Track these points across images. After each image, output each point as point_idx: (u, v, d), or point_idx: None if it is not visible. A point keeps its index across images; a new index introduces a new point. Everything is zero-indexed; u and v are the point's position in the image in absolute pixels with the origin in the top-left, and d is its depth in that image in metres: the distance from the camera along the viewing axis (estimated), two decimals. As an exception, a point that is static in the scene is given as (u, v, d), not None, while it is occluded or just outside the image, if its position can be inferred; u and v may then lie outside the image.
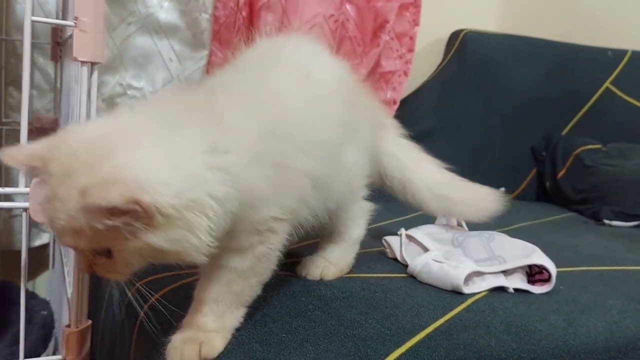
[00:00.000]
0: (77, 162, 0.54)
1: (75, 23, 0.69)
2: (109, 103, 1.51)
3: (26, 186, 0.66)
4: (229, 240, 0.62)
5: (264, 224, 0.65)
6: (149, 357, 0.68)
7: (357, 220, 0.90)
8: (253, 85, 0.70)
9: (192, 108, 0.62)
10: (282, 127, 0.67)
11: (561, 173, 1.84)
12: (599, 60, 2.06)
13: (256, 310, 0.69)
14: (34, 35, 1.38)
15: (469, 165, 1.82)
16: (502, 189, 1.86)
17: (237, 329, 0.66)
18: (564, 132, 1.98)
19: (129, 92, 1.53)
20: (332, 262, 0.87)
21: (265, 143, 0.63)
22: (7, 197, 1.16)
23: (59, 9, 1.36)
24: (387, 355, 0.65)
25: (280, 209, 0.65)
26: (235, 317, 0.66)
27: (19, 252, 1.38)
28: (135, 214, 0.51)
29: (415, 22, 1.79)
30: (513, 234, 1.28)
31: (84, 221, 0.52)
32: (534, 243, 0.94)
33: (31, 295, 1.24)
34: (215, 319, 0.64)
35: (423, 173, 0.98)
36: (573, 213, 1.70)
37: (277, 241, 0.67)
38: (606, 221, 1.56)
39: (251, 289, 0.67)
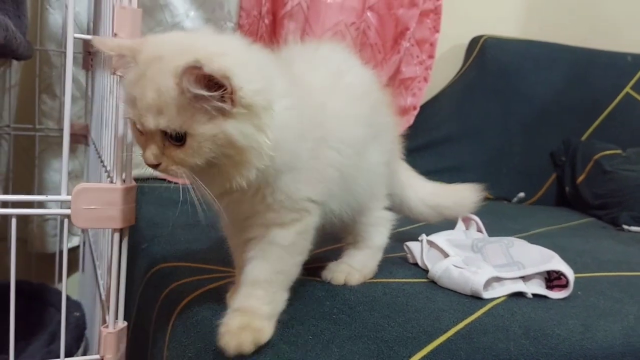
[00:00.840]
0: (172, 50, 0.61)
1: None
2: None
3: (68, 194, 0.70)
4: (273, 215, 0.69)
5: (300, 203, 0.70)
6: (182, 356, 0.71)
7: (379, 228, 0.93)
8: (296, 77, 0.74)
9: (276, 56, 0.73)
10: (319, 118, 0.72)
11: (581, 178, 1.85)
12: (618, 65, 2.06)
13: (283, 313, 0.72)
14: (66, 45, 1.43)
15: (489, 170, 1.85)
16: (522, 194, 1.90)
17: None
18: (583, 138, 1.99)
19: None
20: (355, 268, 0.90)
21: (308, 124, 0.69)
22: (40, 205, 1.21)
23: (90, 20, 1.41)
24: (409, 357, 0.68)
25: (314, 190, 0.71)
26: (283, 300, 0.71)
27: (52, 255, 1.45)
28: (223, 93, 0.58)
29: (436, 29, 1.81)
30: (531, 239, 1.31)
31: (172, 93, 0.58)
32: (551, 248, 0.97)
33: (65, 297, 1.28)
34: (268, 303, 0.68)
35: (415, 188, 1.06)
36: (592, 218, 1.71)
37: (312, 221, 0.72)
38: (625, 226, 1.57)
39: (296, 267, 0.72)
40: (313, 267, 0.90)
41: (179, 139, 0.61)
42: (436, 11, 1.80)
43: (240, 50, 0.65)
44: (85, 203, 0.68)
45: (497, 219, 1.53)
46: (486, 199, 1.80)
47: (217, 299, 0.76)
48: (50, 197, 0.73)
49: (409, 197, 1.04)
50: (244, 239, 0.73)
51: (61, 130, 1.44)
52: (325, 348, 0.67)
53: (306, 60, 0.82)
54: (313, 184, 0.71)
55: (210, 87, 0.58)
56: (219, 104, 0.59)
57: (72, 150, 1.48)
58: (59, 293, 1.29)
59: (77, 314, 1.18)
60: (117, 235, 0.72)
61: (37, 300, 1.27)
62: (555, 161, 1.96)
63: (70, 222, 0.69)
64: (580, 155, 1.89)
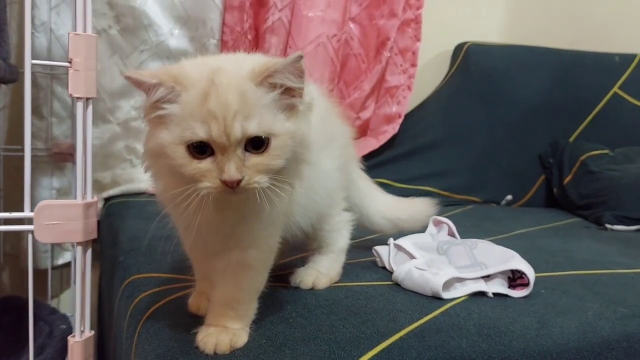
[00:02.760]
0: (217, 64, 0.65)
1: (69, 64, 0.77)
2: (124, 127, 1.60)
3: (30, 211, 0.74)
4: (259, 226, 0.71)
5: (278, 217, 0.73)
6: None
7: (341, 232, 0.96)
8: None
9: None
10: None
11: (567, 179, 1.86)
12: (605, 65, 2.08)
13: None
14: (52, 67, 1.49)
15: (476, 174, 1.88)
16: (509, 196, 1.92)
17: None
18: (572, 139, 2.00)
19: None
20: (322, 272, 0.93)
21: None
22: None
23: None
24: (360, 357, 0.71)
25: (284, 203, 0.72)
26: (253, 311, 0.75)
27: (42, 271, 1.50)
28: (292, 91, 0.63)
29: (417, 38, 1.85)
30: (511, 240, 1.34)
31: (257, 93, 0.61)
32: (528, 249, 0.99)
33: (52, 311, 1.33)
34: (240, 320, 0.72)
35: (375, 200, 1.08)
36: (578, 218, 1.73)
37: (280, 235, 0.76)
38: (608, 225, 1.59)
39: (264, 281, 0.75)
40: (280, 274, 0.94)
41: (259, 144, 0.62)
42: (416, 20, 1.84)
43: None
44: (47, 219, 0.71)
45: (480, 221, 1.56)
46: (474, 202, 1.85)
47: (180, 306, 0.80)
48: (13, 215, 0.77)
49: (368, 207, 1.06)
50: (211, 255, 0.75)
51: (49, 150, 1.49)
52: (278, 351, 0.70)
53: None
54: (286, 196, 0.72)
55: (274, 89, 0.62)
56: (292, 99, 0.64)
57: (60, 168, 1.52)
58: (49, 308, 1.34)
59: (64, 326, 1.21)
60: (79, 249, 0.76)
61: (25, 315, 1.31)
62: (543, 163, 1.98)
63: (34, 237, 0.72)
64: (568, 156, 1.90)
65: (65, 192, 1.51)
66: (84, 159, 0.76)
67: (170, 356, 0.70)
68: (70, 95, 0.77)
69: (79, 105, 0.82)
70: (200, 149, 0.61)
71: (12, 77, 1.27)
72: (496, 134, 1.93)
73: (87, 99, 0.83)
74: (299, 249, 0.99)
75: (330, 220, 0.94)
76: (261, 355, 0.69)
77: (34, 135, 1.49)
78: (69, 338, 0.78)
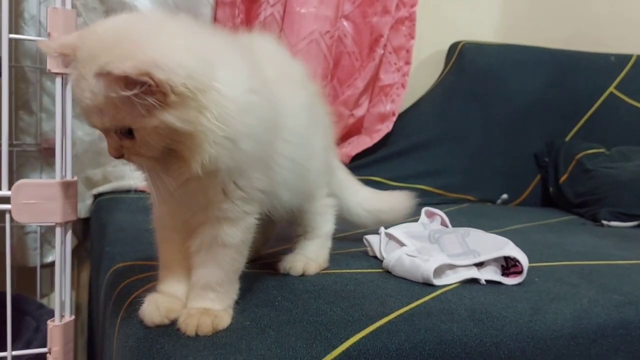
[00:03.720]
0: (101, 46, 0.59)
1: (48, 38, 0.76)
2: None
3: (9, 189, 0.72)
4: (228, 206, 0.69)
5: (255, 194, 0.70)
6: (124, 349, 0.72)
7: (326, 216, 0.95)
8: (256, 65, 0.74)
9: (225, 37, 0.72)
10: (278, 108, 0.73)
11: (563, 178, 1.85)
12: (601, 65, 2.07)
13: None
14: (41, 61, 1.47)
15: (471, 173, 1.86)
16: (505, 195, 1.90)
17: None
18: (568, 138, 1.99)
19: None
20: (311, 259, 0.91)
21: (273, 113, 0.71)
22: None
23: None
24: (347, 339, 0.68)
25: (265, 181, 0.71)
26: (235, 291, 0.73)
27: (33, 269, 1.47)
28: (149, 89, 0.56)
29: (411, 36, 1.84)
30: (505, 235, 1.30)
31: (103, 95, 0.57)
32: (522, 242, 0.96)
33: (40, 306, 1.31)
34: (221, 301, 0.70)
35: (354, 192, 1.07)
36: (574, 216, 1.71)
37: (258, 213, 0.73)
38: (604, 222, 1.57)
39: (244, 260, 0.73)
40: (267, 262, 0.92)
41: (128, 132, 0.61)
42: (410, 18, 1.83)
43: (171, 34, 0.62)
44: (25, 198, 0.69)
45: (475, 217, 1.54)
46: (469, 201, 1.83)
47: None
48: (-9, 192, 0.75)
49: (348, 199, 1.05)
50: (183, 234, 0.73)
51: (38, 145, 1.47)
52: (262, 332, 0.68)
53: (252, 51, 0.81)
54: (266, 174, 0.72)
55: (134, 84, 0.57)
56: (149, 99, 0.57)
57: (49, 164, 1.50)
58: (37, 303, 1.31)
59: (51, 321, 1.20)
60: (58, 229, 0.74)
61: (14, 310, 1.28)
62: (539, 162, 1.97)
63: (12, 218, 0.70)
64: (563, 155, 1.89)
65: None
66: (63, 138, 0.74)
67: (151, 339, 0.68)
68: (49, 70, 0.75)
69: (57, 82, 0.80)
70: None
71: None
72: (491, 133, 1.92)
73: (65, 74, 0.81)
74: (285, 239, 0.97)
75: (315, 203, 0.92)
76: (245, 337, 0.67)
77: (23, 131, 1.48)
78: (49, 322, 0.75)
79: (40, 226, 1.49)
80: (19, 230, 1.48)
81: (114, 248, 1.01)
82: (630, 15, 2.22)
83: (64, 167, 0.73)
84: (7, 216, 0.74)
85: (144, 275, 0.86)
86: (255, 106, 0.66)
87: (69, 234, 0.75)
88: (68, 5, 0.75)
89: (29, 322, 1.24)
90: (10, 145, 1.45)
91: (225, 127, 0.62)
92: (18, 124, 1.46)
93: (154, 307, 0.71)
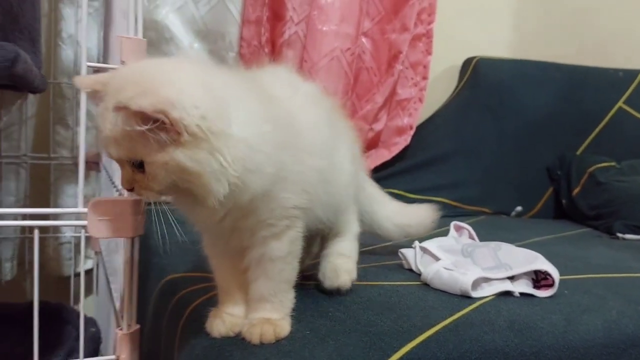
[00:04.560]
0: (125, 82, 0.63)
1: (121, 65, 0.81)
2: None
3: (83, 207, 0.77)
4: (265, 228, 0.73)
5: (290, 211, 0.74)
6: (190, 355, 0.77)
7: (351, 217, 0.99)
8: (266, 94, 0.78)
9: (240, 76, 0.76)
10: (295, 127, 0.77)
11: (576, 190, 1.90)
12: (610, 80, 2.13)
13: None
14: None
15: (486, 186, 1.91)
16: (519, 207, 1.95)
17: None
18: (578, 152, 2.05)
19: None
20: (346, 255, 0.95)
21: (287, 134, 0.74)
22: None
23: (100, 54, 1.50)
24: (400, 348, 0.74)
25: (299, 198, 0.75)
26: (290, 300, 0.78)
27: (67, 278, 1.52)
28: (163, 126, 0.60)
29: (428, 52, 1.90)
30: (527, 247, 1.36)
31: (120, 127, 0.61)
32: (546, 255, 1.01)
33: (79, 315, 1.35)
34: (278, 311, 0.75)
35: (384, 206, 1.11)
36: (588, 228, 1.76)
37: (301, 226, 0.78)
38: (619, 235, 1.62)
39: (294, 271, 0.78)
40: (309, 274, 0.96)
41: (139, 165, 0.64)
42: (428, 35, 1.89)
43: (190, 76, 0.65)
44: (99, 214, 0.75)
45: (494, 230, 1.59)
46: (484, 213, 1.89)
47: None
48: (68, 210, 0.80)
49: (378, 213, 1.09)
50: (238, 263, 0.77)
51: (74, 158, 1.53)
52: (322, 341, 0.73)
53: (266, 77, 0.86)
54: (298, 191, 0.75)
55: (149, 119, 0.60)
56: (162, 135, 0.61)
57: (85, 176, 1.55)
58: (76, 312, 1.36)
59: (93, 329, 1.24)
60: (128, 243, 0.79)
61: (56, 319, 1.33)
62: (551, 175, 2.02)
63: (87, 241, 0.75)
64: (575, 168, 1.94)
65: (88, 200, 1.54)
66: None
67: (218, 347, 0.73)
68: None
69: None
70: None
71: (43, 86, 1.30)
72: (505, 146, 1.97)
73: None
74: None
75: (345, 213, 0.96)
76: (307, 345, 0.72)
77: (59, 144, 1.53)
78: (117, 331, 0.80)
79: (74, 237, 1.54)
80: (54, 241, 1.53)
81: (162, 260, 1.06)
82: (637, 31, 2.28)
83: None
84: (83, 232, 0.79)
85: (198, 286, 0.91)
86: (267, 137, 0.69)
87: (137, 247, 0.80)
88: (139, 35, 0.80)
89: (70, 331, 1.29)
90: (48, 158, 1.50)
91: (235, 169, 0.65)
92: (55, 138, 1.52)
93: (220, 321, 0.76)
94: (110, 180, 1.06)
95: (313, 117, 0.82)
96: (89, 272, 1.61)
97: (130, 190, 0.68)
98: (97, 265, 1.53)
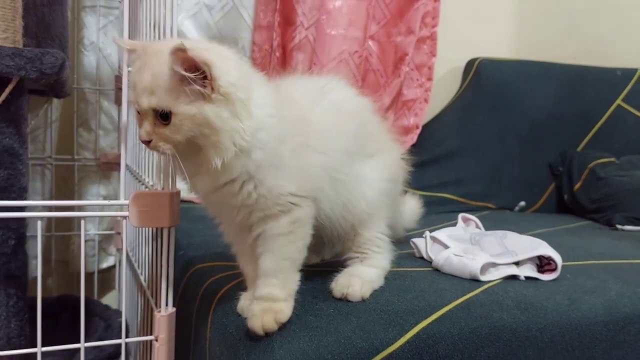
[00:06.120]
0: (167, 46, 0.70)
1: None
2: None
3: (125, 199, 0.84)
4: (259, 209, 0.79)
5: (283, 198, 0.80)
6: (223, 336, 0.84)
7: (382, 250, 0.98)
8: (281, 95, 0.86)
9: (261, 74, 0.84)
10: (300, 127, 0.83)
11: (577, 185, 1.97)
12: (608, 79, 2.19)
13: (307, 293, 0.85)
14: (99, 83, 1.60)
15: (490, 182, 1.98)
16: (523, 203, 2.02)
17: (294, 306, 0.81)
18: (579, 148, 2.11)
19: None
20: (368, 280, 0.92)
21: (289, 131, 0.81)
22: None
23: (121, 60, 1.57)
24: (417, 324, 0.80)
25: (298, 186, 0.81)
26: (294, 281, 0.82)
27: (90, 274, 1.59)
28: (202, 79, 0.70)
29: (433, 54, 1.97)
30: (530, 238, 1.43)
31: (166, 76, 0.70)
32: (549, 244, 1.07)
33: (106, 307, 1.42)
34: (281, 288, 0.80)
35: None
36: (589, 221, 1.83)
37: (305, 212, 0.82)
38: (619, 226, 1.69)
39: (298, 252, 0.82)
40: (331, 261, 1.03)
41: (165, 117, 0.72)
42: (432, 37, 1.96)
43: (225, 52, 0.77)
44: (140, 206, 0.81)
45: (498, 223, 1.64)
46: (489, 208, 1.95)
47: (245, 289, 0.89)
48: (111, 202, 0.87)
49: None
50: (247, 242, 0.83)
51: (96, 159, 1.60)
52: (345, 318, 0.80)
53: (298, 82, 0.95)
54: (297, 180, 0.81)
55: (193, 70, 0.70)
56: (199, 87, 0.70)
57: (106, 177, 1.63)
58: (102, 305, 1.42)
59: (120, 319, 1.30)
60: (166, 232, 0.86)
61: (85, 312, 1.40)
62: (553, 171, 2.08)
63: (109, 239, 0.82)
64: (576, 164, 2.01)
65: (110, 199, 1.61)
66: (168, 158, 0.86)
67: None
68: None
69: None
70: (138, 113, 0.75)
71: (69, 92, 1.37)
72: (508, 144, 2.03)
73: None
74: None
75: (371, 231, 0.96)
76: (332, 321, 0.79)
77: (82, 147, 1.60)
78: (156, 313, 0.87)
79: (98, 234, 1.61)
80: (78, 238, 1.60)
81: (188, 252, 1.13)
82: (634, 31, 2.35)
83: (169, 179, 0.85)
84: (124, 222, 0.86)
85: (225, 274, 0.98)
86: (269, 126, 0.77)
87: (173, 236, 0.87)
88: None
89: (98, 323, 1.35)
90: (72, 160, 1.57)
91: (244, 137, 0.74)
92: (78, 140, 1.59)
93: (250, 302, 0.83)
94: (137, 178, 1.13)
95: (333, 124, 0.89)
96: (109, 269, 1.68)
97: (147, 142, 0.74)
98: (119, 262, 1.60)
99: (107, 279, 1.71)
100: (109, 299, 1.69)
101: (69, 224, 1.59)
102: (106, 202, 0.89)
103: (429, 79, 1.98)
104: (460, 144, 2.00)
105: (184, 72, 0.69)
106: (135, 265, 1.23)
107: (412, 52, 1.92)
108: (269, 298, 0.79)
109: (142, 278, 1.12)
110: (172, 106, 0.71)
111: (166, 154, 0.74)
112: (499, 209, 1.98)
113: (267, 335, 0.76)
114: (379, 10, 1.89)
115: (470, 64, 2.12)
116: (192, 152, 0.75)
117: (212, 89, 0.71)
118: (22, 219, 0.90)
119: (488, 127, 2.03)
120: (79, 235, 1.59)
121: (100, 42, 1.59)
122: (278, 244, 0.81)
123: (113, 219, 1.58)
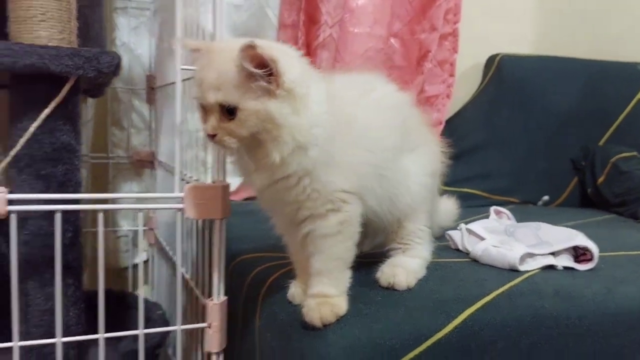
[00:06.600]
0: (232, 44, 0.74)
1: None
2: (191, 138, 1.74)
3: (180, 191, 0.87)
4: (311, 204, 0.81)
5: (334, 194, 0.82)
6: (274, 323, 0.87)
7: (423, 242, 1.00)
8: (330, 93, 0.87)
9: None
10: (348, 126, 0.85)
11: (600, 179, 1.98)
12: (628, 74, 2.20)
13: (354, 282, 0.87)
14: (131, 82, 1.63)
15: (514, 176, 2.00)
16: (546, 197, 2.04)
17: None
18: (600, 143, 2.12)
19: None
20: (412, 270, 0.95)
21: (338, 129, 0.82)
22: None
23: (152, 61, 1.61)
24: (463, 311, 0.83)
25: (347, 183, 0.83)
26: (346, 278, 0.84)
27: (124, 269, 1.63)
28: (270, 74, 0.73)
29: (455, 50, 1.99)
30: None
31: (233, 73, 0.73)
32: None
33: (145, 300, 1.45)
34: (334, 287, 0.82)
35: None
36: (613, 215, 1.84)
37: (351, 210, 0.84)
38: (643, 219, 1.71)
39: (347, 251, 0.84)
40: (370, 253, 1.06)
41: (231, 112, 0.75)
42: (454, 34, 1.98)
43: (288, 50, 0.80)
44: (194, 199, 0.85)
45: (524, 217, 1.66)
46: (512, 203, 1.97)
47: (293, 277, 0.92)
48: (167, 195, 0.90)
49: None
50: (298, 237, 0.85)
51: (130, 157, 1.63)
52: (394, 306, 0.83)
53: (341, 79, 0.95)
54: (347, 177, 0.83)
55: (261, 66, 0.72)
56: (265, 84, 0.73)
57: (139, 174, 1.66)
58: (138, 297, 1.46)
59: (160, 312, 1.34)
60: (218, 223, 0.89)
61: (121, 304, 1.43)
62: (575, 166, 2.10)
63: (141, 236, 0.85)
64: (599, 158, 2.02)
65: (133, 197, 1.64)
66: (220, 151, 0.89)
67: (300, 312, 0.82)
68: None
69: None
70: (203, 109, 0.78)
71: (103, 92, 1.41)
72: (531, 138, 2.05)
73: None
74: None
75: (415, 224, 0.98)
76: (381, 309, 0.82)
77: (115, 145, 1.63)
78: (208, 301, 0.90)
79: (131, 231, 1.65)
80: (112, 234, 1.63)
81: (232, 244, 1.15)
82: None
83: (221, 173, 0.88)
84: (179, 214, 0.89)
85: (270, 264, 1.01)
86: (324, 124, 0.80)
87: (224, 227, 0.90)
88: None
89: (135, 315, 1.39)
90: (107, 158, 1.61)
91: (302, 133, 0.77)
92: (111, 139, 1.62)
93: (300, 290, 0.86)
94: (172, 173, 1.16)
95: (378, 121, 0.90)
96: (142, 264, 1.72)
97: (212, 137, 0.77)
98: (152, 257, 1.63)
99: (138, 274, 1.74)
100: (145, 291, 1.72)
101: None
102: (164, 194, 0.91)
103: (451, 75, 2.00)
104: (483, 139, 2.02)
105: (252, 69, 0.72)
106: (174, 257, 1.26)
107: (435, 49, 1.94)
108: (323, 295, 0.81)
109: (183, 270, 1.15)
110: (238, 102, 0.74)
111: (231, 148, 0.77)
112: (522, 203, 2.00)
113: (325, 327, 0.79)
114: (402, 8, 1.91)
115: (491, 59, 2.13)
116: (252, 147, 0.77)
117: (277, 85, 0.74)
118: (78, 213, 0.93)
119: (511, 123, 2.05)
120: (114, 232, 1.63)
121: (131, 42, 1.62)
122: (327, 245, 0.83)
123: (146, 215, 1.62)
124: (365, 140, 0.87)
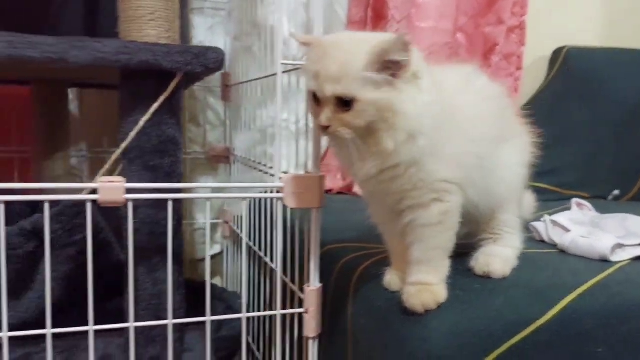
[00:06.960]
0: (344, 38, 0.79)
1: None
2: (262, 133, 1.78)
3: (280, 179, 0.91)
4: (416, 193, 0.83)
5: (438, 184, 0.83)
6: (370, 310, 0.90)
7: (514, 231, 1.00)
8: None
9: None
10: (452, 116, 0.85)
11: (674, 174, 1.93)
12: (700, 64, 2.14)
13: (452, 272, 0.88)
14: (207, 80, 1.69)
15: (584, 171, 1.97)
16: (617, 191, 2.00)
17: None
18: (673, 136, 2.07)
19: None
20: (507, 259, 0.96)
21: (443, 119, 0.83)
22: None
23: (228, 58, 1.66)
24: (561, 300, 0.83)
25: (451, 173, 0.84)
26: (445, 267, 0.86)
27: (201, 261, 1.68)
28: (398, 68, 0.75)
29: (522, 43, 1.98)
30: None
31: (352, 65, 0.75)
32: None
33: (223, 290, 1.50)
34: (434, 275, 0.84)
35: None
36: (690, 209, 1.79)
37: (453, 200, 0.85)
38: None
39: (448, 241, 0.86)
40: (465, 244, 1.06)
41: (347, 104, 0.76)
42: (521, 26, 1.97)
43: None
44: (293, 189, 0.88)
45: (599, 210, 1.65)
46: (582, 197, 1.94)
47: (385, 266, 0.94)
48: (267, 185, 0.94)
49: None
50: (397, 227, 0.87)
51: (206, 153, 1.68)
52: (491, 293, 0.84)
53: (442, 71, 0.95)
54: (451, 167, 0.84)
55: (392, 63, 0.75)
56: (388, 77, 0.75)
57: (214, 169, 1.71)
58: (219, 288, 1.51)
59: (239, 300, 1.39)
60: (314, 212, 0.92)
61: (202, 294, 1.48)
62: (646, 160, 2.05)
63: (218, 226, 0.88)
64: (670, 152, 1.97)
65: (218, 190, 1.69)
66: (315, 140, 0.92)
67: (399, 298, 0.84)
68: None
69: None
70: (315, 99, 0.79)
71: (186, 88, 1.45)
72: (600, 132, 2.01)
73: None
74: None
75: (506, 215, 0.98)
76: (479, 296, 0.83)
77: (192, 141, 1.69)
78: (305, 287, 0.94)
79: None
80: (190, 227, 1.69)
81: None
82: None
83: (316, 164, 0.91)
84: (279, 203, 0.92)
85: (358, 254, 1.03)
86: (431, 113, 0.80)
87: (320, 215, 0.93)
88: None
89: (217, 305, 1.44)
90: (184, 153, 1.66)
91: (415, 121, 0.78)
92: (188, 136, 1.68)
93: (397, 278, 0.88)
94: (254, 168, 1.20)
95: (479, 111, 0.91)
96: (215, 257, 1.77)
97: (326, 128, 0.78)
98: (226, 248, 1.68)
99: (213, 265, 1.79)
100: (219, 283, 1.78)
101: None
102: (263, 184, 0.95)
103: (518, 68, 1.99)
104: (551, 133, 1.96)
105: (402, 58, 0.74)
106: (255, 247, 1.30)
107: (502, 42, 1.93)
108: (422, 283, 0.83)
109: (267, 259, 1.19)
110: (357, 93, 0.76)
111: (345, 139, 0.78)
112: (592, 198, 1.96)
113: (426, 312, 0.80)
114: (469, 1, 1.91)
115: (557, 52, 2.11)
116: (363, 136, 0.79)
117: (405, 73, 0.76)
118: (181, 202, 0.98)
119: (579, 116, 2.02)
120: (191, 224, 1.69)
121: (207, 41, 1.67)
122: (428, 234, 0.84)
123: (221, 208, 1.67)
124: (469, 131, 0.87)
